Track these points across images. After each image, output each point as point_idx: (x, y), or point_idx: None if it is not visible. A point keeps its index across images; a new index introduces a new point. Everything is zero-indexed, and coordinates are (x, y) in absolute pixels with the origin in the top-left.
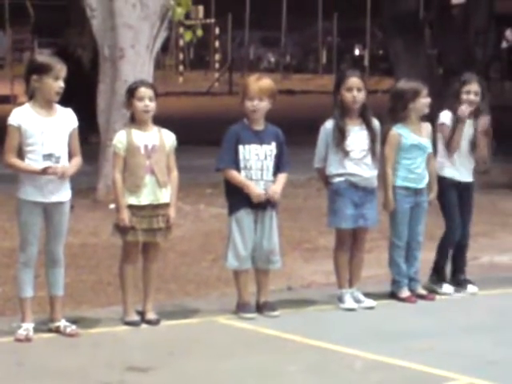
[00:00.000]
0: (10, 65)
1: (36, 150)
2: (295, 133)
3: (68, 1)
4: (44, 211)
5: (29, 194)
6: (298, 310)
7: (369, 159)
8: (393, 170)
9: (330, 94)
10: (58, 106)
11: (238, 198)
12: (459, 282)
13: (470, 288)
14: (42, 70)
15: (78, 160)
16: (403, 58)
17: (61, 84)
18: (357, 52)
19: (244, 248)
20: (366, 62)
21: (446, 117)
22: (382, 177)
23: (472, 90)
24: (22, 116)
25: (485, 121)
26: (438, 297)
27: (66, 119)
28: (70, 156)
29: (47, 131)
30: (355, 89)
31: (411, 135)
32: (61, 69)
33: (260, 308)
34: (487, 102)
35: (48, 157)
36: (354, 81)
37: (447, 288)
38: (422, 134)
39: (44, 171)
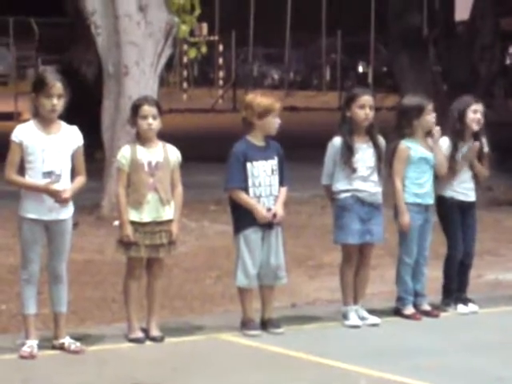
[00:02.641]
0: (13, 81)
1: (36, 167)
2: (298, 150)
3: (73, 18)
4: (45, 229)
5: (29, 212)
6: (302, 327)
7: (375, 176)
8: (402, 184)
9: (333, 111)
10: (62, 124)
11: (245, 216)
12: (461, 301)
13: (471, 307)
14: (37, 87)
15: (81, 179)
16: (408, 74)
17: (53, 102)
18: (360, 69)
19: (253, 266)
20: (370, 79)
21: (444, 144)
22: (393, 191)
23: (479, 110)
24: (25, 132)
25: (475, 146)
26: (442, 314)
27: (70, 137)
28: (74, 174)
29: (48, 148)
30: (368, 107)
31: (419, 148)
32: (52, 86)
33: (264, 325)
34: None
35: (48, 174)
36: (366, 99)
37: (462, 308)
38: (428, 149)
39: (45, 187)
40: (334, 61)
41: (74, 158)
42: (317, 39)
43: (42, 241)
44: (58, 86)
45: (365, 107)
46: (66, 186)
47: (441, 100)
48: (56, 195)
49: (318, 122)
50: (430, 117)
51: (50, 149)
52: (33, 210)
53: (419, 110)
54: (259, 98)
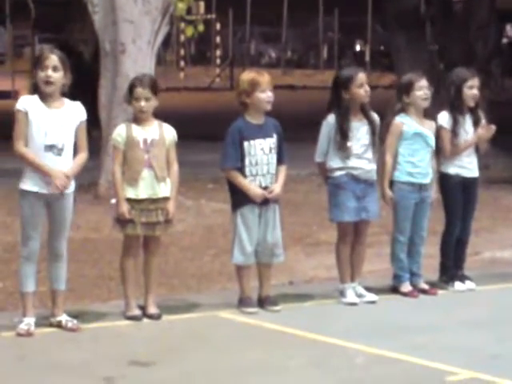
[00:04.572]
0: (10, 60)
1: (39, 139)
2: (296, 128)
3: None
4: (46, 204)
5: (30, 185)
6: (299, 305)
7: (369, 153)
8: (395, 161)
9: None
10: (66, 100)
11: (242, 193)
12: (458, 278)
13: (468, 284)
14: (36, 62)
15: (82, 156)
16: (405, 53)
17: (48, 73)
18: (358, 48)
19: (250, 243)
20: (367, 58)
21: (443, 119)
22: (381, 166)
23: (475, 85)
24: (30, 103)
25: (491, 128)
26: (440, 291)
27: (73, 112)
28: (76, 150)
29: (51, 122)
30: (365, 83)
31: (414, 124)
32: (46, 58)
33: (262, 302)
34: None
35: (50, 148)
36: (363, 76)
37: (459, 286)
38: (426, 127)
39: (49, 171)
40: (331, 40)
41: (76, 132)
42: (314, 18)
43: (43, 217)
44: (52, 58)
45: (363, 85)
46: (68, 160)
47: (437, 79)
48: (57, 175)
49: (316, 101)
50: (421, 93)
51: (54, 122)
52: (34, 184)
53: (408, 86)
54: (243, 76)
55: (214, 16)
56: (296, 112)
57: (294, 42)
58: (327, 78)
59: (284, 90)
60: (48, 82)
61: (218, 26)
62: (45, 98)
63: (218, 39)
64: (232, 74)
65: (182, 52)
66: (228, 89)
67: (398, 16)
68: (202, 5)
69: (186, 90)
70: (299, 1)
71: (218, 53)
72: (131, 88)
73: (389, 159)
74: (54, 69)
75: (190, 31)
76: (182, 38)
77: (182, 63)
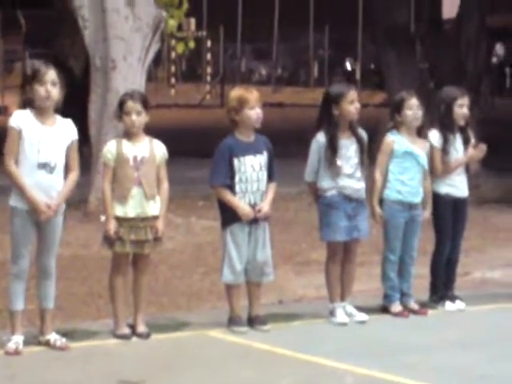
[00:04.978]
0: (0, 76)
1: (32, 156)
2: (285, 145)
3: (60, 11)
4: (36, 222)
5: (21, 202)
6: (289, 324)
7: (359, 172)
8: (385, 179)
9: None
10: (58, 116)
11: (231, 211)
12: (448, 298)
13: (458, 304)
14: (31, 78)
15: (72, 179)
16: (395, 71)
17: (48, 87)
18: (348, 66)
19: (239, 261)
20: (358, 76)
21: (434, 138)
22: (370, 184)
23: (465, 104)
24: (23, 120)
25: (482, 149)
26: (430, 311)
27: (66, 130)
28: (67, 169)
29: (45, 139)
30: (355, 100)
31: (405, 142)
32: (44, 72)
33: (251, 321)
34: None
35: (43, 166)
36: (354, 93)
37: (450, 306)
38: (418, 146)
39: (35, 202)
40: (321, 57)
41: (67, 151)
42: (304, 35)
43: (33, 235)
44: (51, 73)
45: (354, 102)
46: (60, 178)
47: (428, 97)
48: (39, 208)
49: (306, 118)
50: (412, 112)
51: (47, 140)
52: (25, 201)
53: (400, 105)
54: (231, 94)
55: (204, 33)
56: (285, 129)
57: (285, 59)
58: (317, 95)
59: (274, 108)
60: (48, 97)
61: (209, 43)
62: (39, 113)
63: (208, 56)
64: (223, 91)
65: (173, 69)
66: (219, 106)
67: (388, 32)
68: (192, 22)
69: (177, 107)
70: (290, 18)
71: (209, 70)
72: (122, 103)
73: (379, 177)
74: (53, 84)
75: (181, 48)
76: (173, 54)
77: (173, 80)
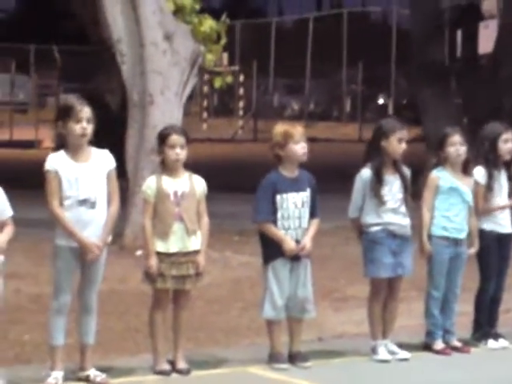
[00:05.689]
0: (33, 109)
1: (71, 195)
2: (319, 180)
3: (96, 46)
4: (80, 257)
5: (66, 240)
6: (330, 361)
7: (403, 208)
8: (431, 215)
9: (353, 143)
10: (93, 149)
11: (274, 247)
12: (491, 335)
13: (502, 342)
14: (65, 114)
15: (113, 213)
16: (430, 107)
17: (83, 125)
18: (381, 101)
19: (281, 297)
20: (390, 111)
21: (479, 174)
22: (418, 220)
23: (510, 139)
24: (58, 161)
25: None
26: (472, 349)
27: (102, 162)
28: (108, 200)
29: (82, 177)
30: (404, 140)
31: (450, 178)
32: (80, 110)
33: (292, 358)
34: None
35: (83, 202)
36: (404, 132)
37: (493, 343)
38: (463, 182)
39: (81, 240)
40: (354, 92)
41: (107, 181)
42: (337, 70)
43: (76, 271)
44: (86, 110)
45: (402, 140)
46: (103, 212)
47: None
48: (89, 249)
49: (338, 154)
50: (454, 149)
51: (83, 176)
52: (69, 239)
53: (442, 141)
54: (276, 129)
55: (237, 67)
56: (318, 164)
57: (317, 94)
58: (350, 130)
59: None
60: (83, 135)
61: (242, 78)
62: (73, 151)
63: (241, 91)
64: (255, 126)
65: (205, 103)
66: (251, 140)
67: (423, 69)
68: (225, 56)
69: (210, 141)
70: (323, 53)
71: (241, 104)
72: (164, 136)
73: (426, 213)
74: (88, 121)
75: (218, 83)
76: (206, 89)
77: (205, 114)
